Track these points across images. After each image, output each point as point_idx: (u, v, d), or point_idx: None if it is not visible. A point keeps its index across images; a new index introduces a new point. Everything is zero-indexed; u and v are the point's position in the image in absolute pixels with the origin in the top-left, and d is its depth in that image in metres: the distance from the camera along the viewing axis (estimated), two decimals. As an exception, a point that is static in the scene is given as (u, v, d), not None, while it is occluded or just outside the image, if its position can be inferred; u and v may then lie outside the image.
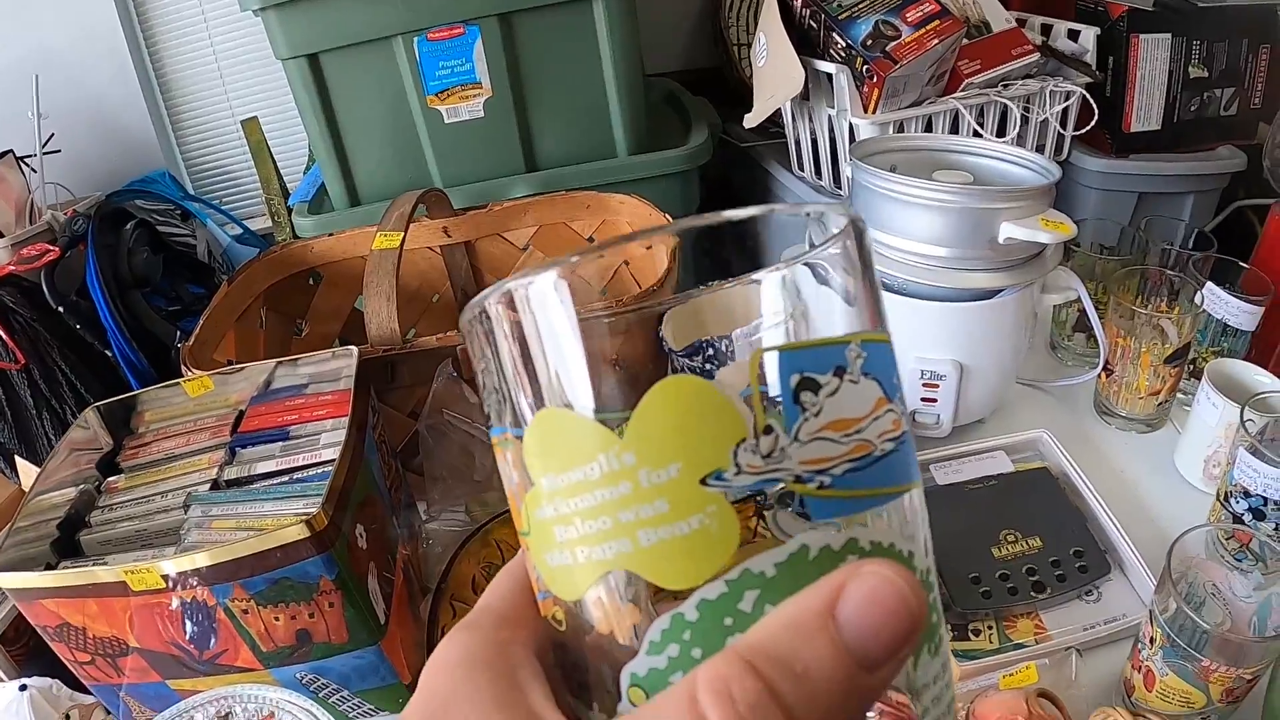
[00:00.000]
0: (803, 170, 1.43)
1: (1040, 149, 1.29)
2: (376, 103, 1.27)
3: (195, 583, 0.66)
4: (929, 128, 1.22)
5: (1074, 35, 1.32)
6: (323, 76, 1.24)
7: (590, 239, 1.22)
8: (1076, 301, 0.99)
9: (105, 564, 0.68)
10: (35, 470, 0.79)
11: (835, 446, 0.22)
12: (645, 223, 1.15)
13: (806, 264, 0.23)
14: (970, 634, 0.81)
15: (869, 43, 1.17)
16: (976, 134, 1.19)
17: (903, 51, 1.15)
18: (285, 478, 0.78)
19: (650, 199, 1.14)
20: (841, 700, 0.19)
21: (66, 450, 0.81)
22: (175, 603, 0.68)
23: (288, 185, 1.60)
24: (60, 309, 1.48)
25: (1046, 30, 1.37)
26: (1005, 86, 1.23)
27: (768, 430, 0.21)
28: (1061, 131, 1.29)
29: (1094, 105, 1.24)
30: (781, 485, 0.21)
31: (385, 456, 0.87)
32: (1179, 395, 1.05)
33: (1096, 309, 0.98)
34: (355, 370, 0.84)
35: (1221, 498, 0.84)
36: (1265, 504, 0.80)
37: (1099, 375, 1.05)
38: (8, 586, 0.68)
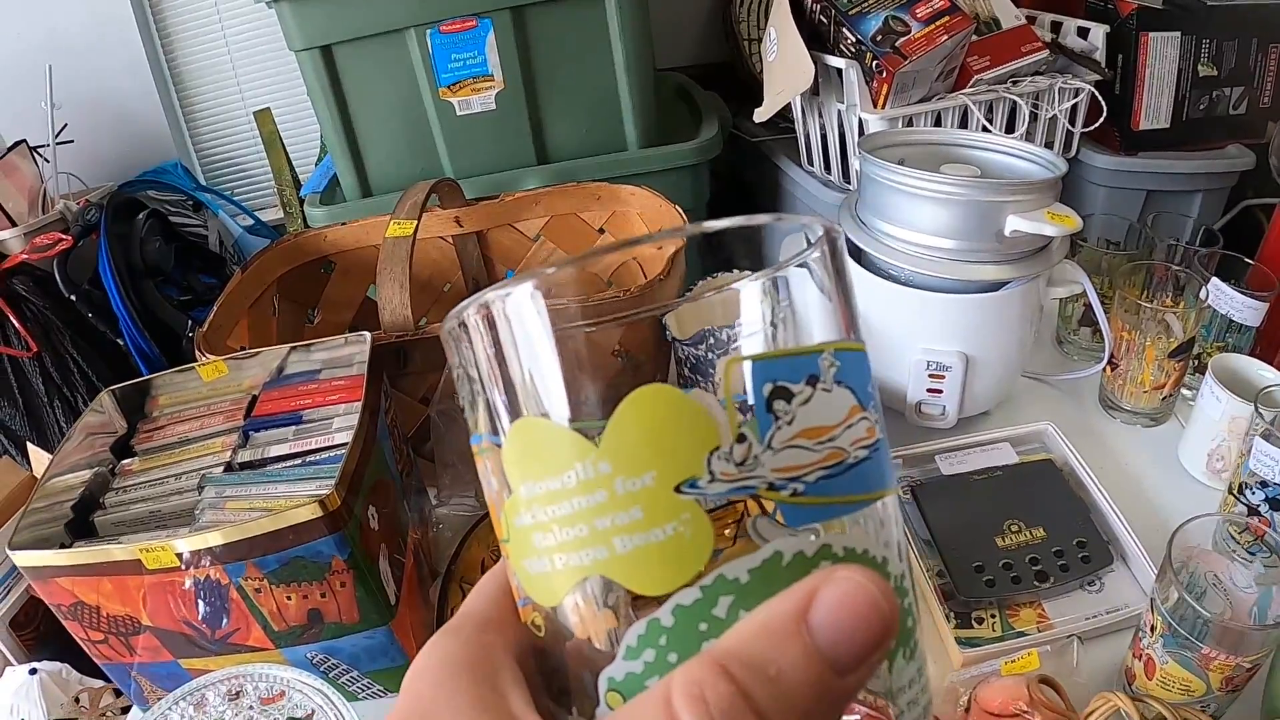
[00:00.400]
0: (812, 165, 1.44)
1: (1049, 146, 1.29)
2: (389, 95, 1.28)
3: (209, 562, 0.67)
4: (938, 123, 1.22)
5: (1083, 33, 1.32)
6: (336, 68, 1.25)
7: (601, 230, 1.22)
8: (1082, 295, 0.99)
9: (120, 543, 0.69)
10: (47, 457, 0.80)
11: (808, 454, 0.22)
12: (655, 214, 1.15)
13: (786, 271, 0.23)
14: (974, 622, 0.82)
15: (879, 38, 1.18)
16: (985, 130, 1.20)
17: (912, 47, 1.15)
18: (298, 460, 0.79)
19: (661, 192, 1.15)
20: (814, 704, 0.20)
21: (81, 433, 0.82)
22: (188, 582, 0.69)
23: (300, 176, 1.61)
24: (72, 298, 1.50)
25: (1056, 27, 1.37)
26: (1014, 83, 1.24)
27: (741, 439, 0.22)
28: (1070, 128, 1.29)
29: (1103, 103, 1.24)
30: (755, 493, 0.22)
31: (397, 441, 0.88)
32: (1183, 390, 1.06)
33: (1102, 303, 0.98)
34: (368, 356, 0.85)
35: (1235, 490, 0.84)
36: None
37: (1104, 369, 1.05)
38: (23, 565, 0.69)
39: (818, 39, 1.27)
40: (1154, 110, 1.34)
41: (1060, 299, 0.99)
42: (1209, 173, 1.35)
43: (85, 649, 0.76)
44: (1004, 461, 0.96)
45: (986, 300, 0.92)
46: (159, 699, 0.71)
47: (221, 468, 0.79)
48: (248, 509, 0.74)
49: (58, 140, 1.68)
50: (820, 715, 0.20)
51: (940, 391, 0.97)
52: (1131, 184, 1.36)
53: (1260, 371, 0.93)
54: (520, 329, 0.23)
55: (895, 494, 0.25)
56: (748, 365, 0.22)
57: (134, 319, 1.52)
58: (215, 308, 1.00)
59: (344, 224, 1.17)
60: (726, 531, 0.23)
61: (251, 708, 0.70)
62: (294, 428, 0.83)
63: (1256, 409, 0.81)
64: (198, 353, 0.91)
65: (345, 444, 0.75)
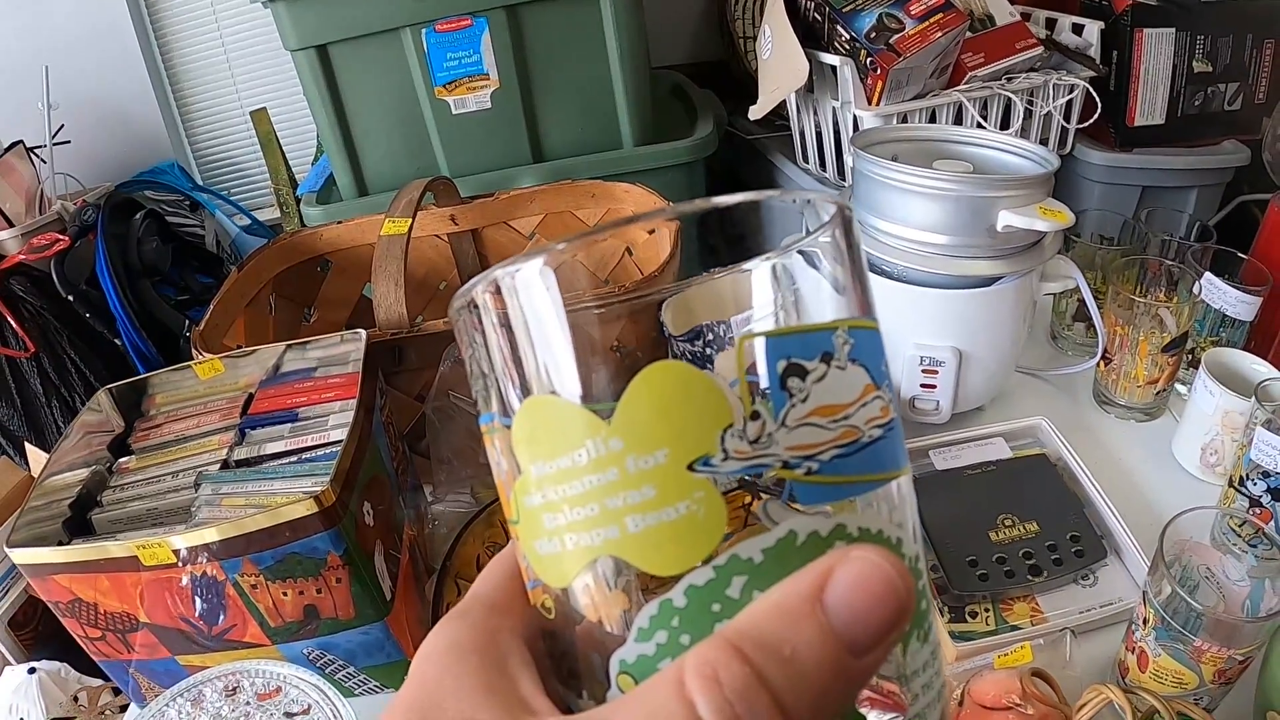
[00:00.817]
0: (807, 162, 1.44)
1: (1044, 142, 1.30)
2: (385, 94, 1.28)
3: (205, 558, 0.67)
4: (932, 120, 1.22)
5: (1078, 29, 1.33)
6: (332, 68, 1.25)
7: (596, 226, 1.23)
8: (1076, 291, 0.99)
9: (117, 540, 0.69)
10: (45, 457, 0.80)
11: (823, 432, 0.22)
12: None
13: (797, 252, 0.23)
14: (967, 616, 0.82)
15: (873, 35, 1.18)
16: (980, 127, 1.20)
17: (906, 44, 1.16)
18: (294, 458, 0.79)
19: (656, 190, 1.15)
20: (829, 685, 0.19)
21: (79, 432, 0.82)
22: (185, 578, 0.69)
23: (296, 176, 1.62)
24: (70, 298, 1.50)
25: (1051, 24, 1.37)
26: (1009, 80, 1.24)
27: (755, 416, 0.21)
28: (1065, 125, 1.29)
29: (1098, 99, 1.25)
30: (769, 471, 0.21)
31: (392, 438, 0.88)
32: (1177, 385, 1.06)
33: (1096, 299, 0.98)
34: (363, 354, 0.85)
35: (1235, 483, 0.84)
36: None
37: (1097, 364, 1.05)
38: (21, 562, 0.69)
39: (812, 36, 1.27)
40: (1149, 106, 1.34)
41: (1054, 294, 0.99)
42: (1204, 169, 1.35)
43: (83, 646, 0.77)
44: (998, 456, 0.96)
45: (980, 295, 0.93)
46: (156, 696, 0.72)
47: (218, 465, 0.79)
48: (244, 506, 0.74)
49: (55, 141, 1.68)
50: (836, 696, 0.19)
51: (934, 387, 0.98)
52: (1126, 180, 1.36)
53: (1254, 366, 0.93)
54: (530, 305, 0.23)
55: (909, 475, 0.24)
56: (761, 341, 0.22)
57: (131, 319, 1.52)
58: (211, 307, 1.00)
59: (340, 222, 1.17)
60: (733, 515, 0.23)
61: (248, 703, 0.70)
62: (290, 425, 0.83)
63: (1257, 400, 0.81)
64: (194, 351, 0.91)
65: (341, 441, 0.75)
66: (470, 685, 0.23)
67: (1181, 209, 1.31)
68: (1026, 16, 1.34)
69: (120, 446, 0.86)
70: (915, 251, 0.91)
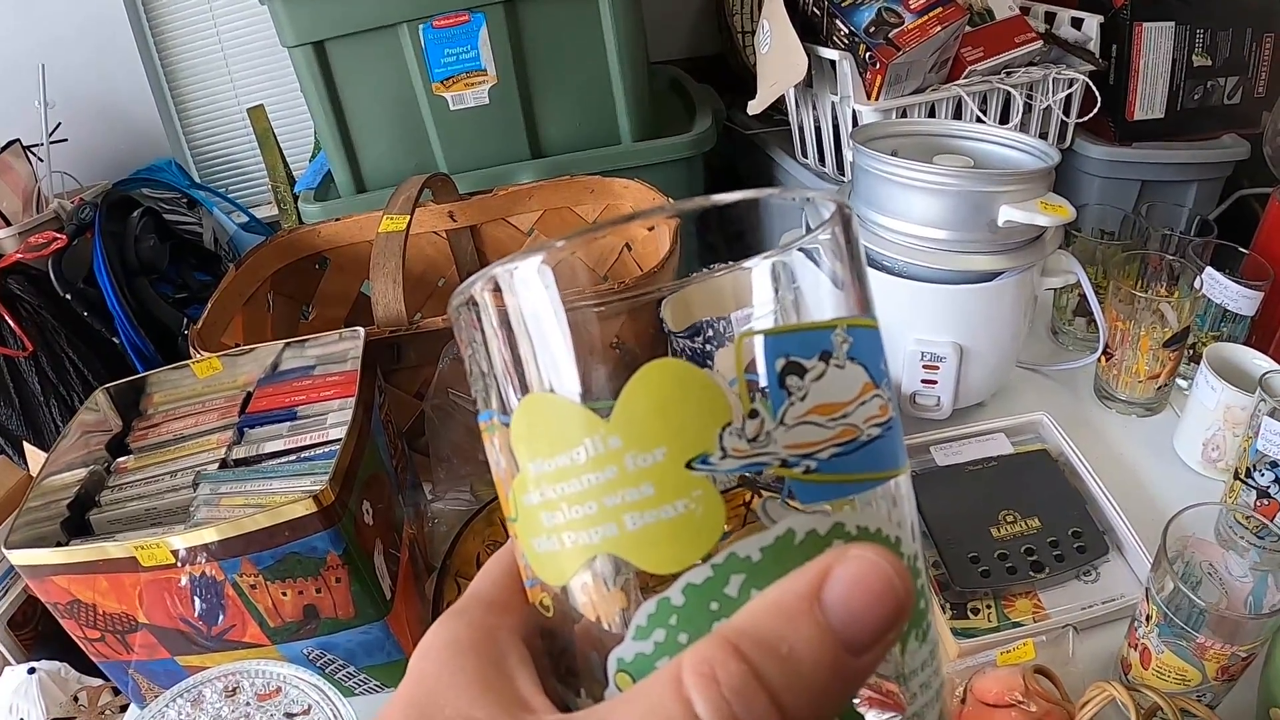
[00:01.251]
0: (806, 157, 1.44)
1: (1043, 136, 1.29)
2: (382, 90, 1.28)
3: (204, 558, 0.67)
4: (932, 115, 1.22)
5: (1077, 23, 1.32)
6: (329, 64, 1.24)
7: (594, 224, 1.22)
8: (1077, 286, 0.99)
9: (115, 541, 0.69)
10: (43, 456, 0.80)
11: (821, 431, 0.22)
12: (649, 207, 1.15)
13: (798, 250, 0.23)
14: (969, 613, 0.82)
15: (872, 30, 1.17)
16: (979, 121, 1.20)
17: (906, 38, 1.15)
18: (293, 456, 0.79)
19: (654, 186, 1.15)
20: (827, 683, 0.19)
21: (77, 432, 0.82)
22: (184, 579, 0.69)
23: (294, 173, 1.61)
24: (68, 296, 1.50)
25: (1050, 18, 1.37)
26: (1008, 74, 1.24)
27: (753, 414, 0.21)
28: (1065, 119, 1.29)
29: (1097, 93, 1.24)
30: (767, 470, 0.21)
31: (391, 436, 0.88)
32: (1178, 380, 1.06)
33: (1097, 294, 0.98)
34: (362, 351, 0.85)
35: (1242, 475, 0.84)
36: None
37: (1099, 359, 1.05)
38: (19, 563, 0.69)
39: (811, 31, 1.27)
40: (1148, 100, 1.33)
41: (1055, 289, 0.99)
42: (1204, 163, 1.35)
43: (82, 647, 0.76)
44: (999, 452, 0.96)
45: (980, 291, 0.92)
46: (156, 696, 0.71)
47: (216, 464, 0.79)
48: (243, 505, 0.74)
49: (52, 139, 1.68)
50: (833, 695, 0.19)
51: (935, 382, 0.97)
52: (1126, 174, 1.36)
53: (1255, 360, 0.93)
54: (529, 303, 0.22)
55: (908, 473, 0.24)
56: (760, 340, 0.22)
57: (129, 317, 1.52)
58: (209, 305, 1.00)
59: (337, 220, 1.17)
60: (731, 513, 0.23)
61: (248, 704, 0.70)
62: (289, 424, 0.83)
63: (1262, 391, 0.81)
64: (192, 350, 0.91)
65: (340, 440, 0.75)
66: (468, 683, 0.23)
67: (1181, 203, 1.31)
68: (1026, 10, 1.33)
69: (118, 446, 0.86)
70: (916, 247, 0.91)
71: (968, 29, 1.22)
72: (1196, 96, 1.34)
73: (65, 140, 1.70)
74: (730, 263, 0.23)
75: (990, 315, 0.95)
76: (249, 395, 0.88)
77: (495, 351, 0.23)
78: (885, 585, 0.20)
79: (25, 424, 1.50)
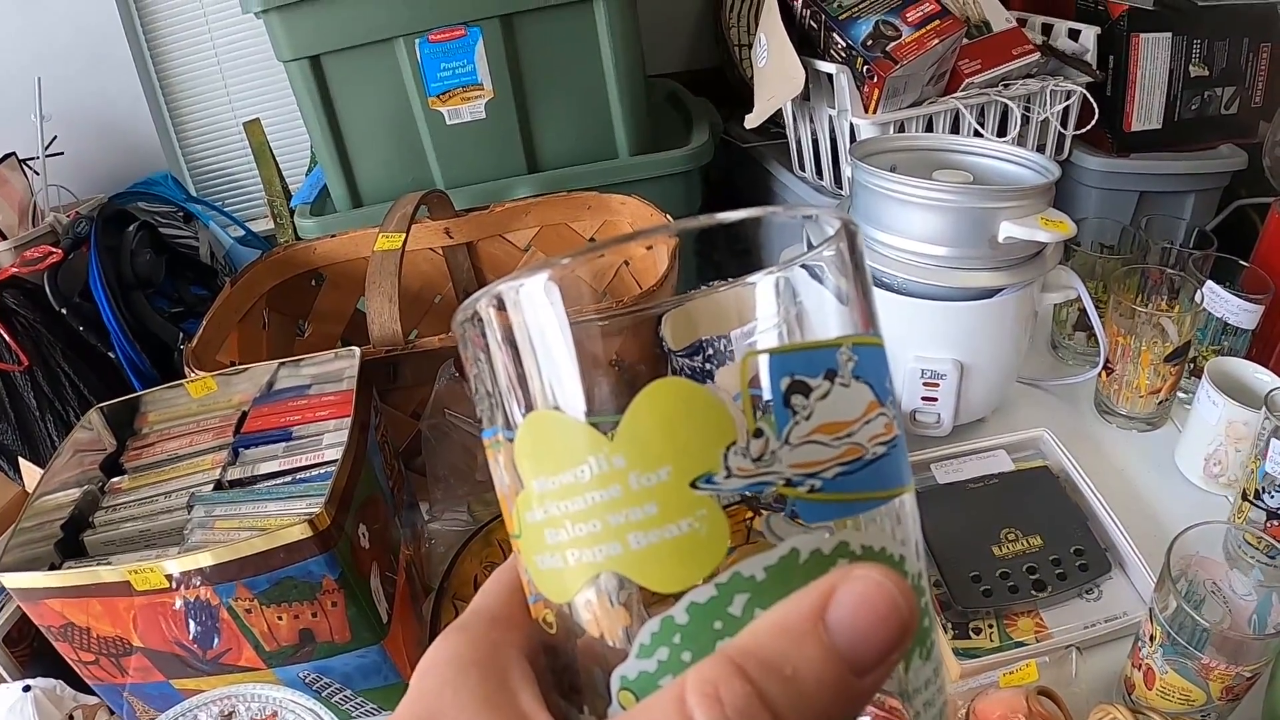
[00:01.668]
0: (803, 170, 1.43)
1: (1041, 148, 1.29)
2: (378, 104, 1.27)
3: (199, 582, 0.66)
4: (929, 128, 1.22)
5: (1074, 35, 1.32)
6: (325, 78, 1.24)
7: (591, 240, 1.22)
8: (1077, 300, 0.99)
9: (109, 564, 0.69)
10: (39, 472, 0.79)
11: (826, 450, 0.22)
12: (646, 223, 1.15)
13: (801, 267, 0.23)
14: (971, 632, 0.82)
15: (869, 43, 1.17)
16: (977, 134, 1.20)
17: (903, 51, 1.15)
18: (288, 478, 0.78)
19: (652, 200, 1.15)
20: (831, 704, 0.19)
21: (70, 451, 0.82)
22: (179, 602, 0.68)
23: (290, 187, 1.61)
24: (63, 311, 1.49)
25: (1047, 30, 1.37)
26: (1006, 86, 1.23)
27: (758, 433, 0.21)
28: (1062, 131, 1.29)
29: (1094, 104, 1.24)
30: (772, 489, 0.21)
31: (388, 457, 0.87)
32: (1179, 394, 1.05)
33: (1097, 308, 0.98)
34: (358, 371, 0.84)
35: (1250, 497, 0.83)
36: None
37: (1099, 374, 1.05)
38: (12, 586, 0.68)
39: (808, 44, 1.27)
40: (1146, 111, 1.33)
41: (1055, 304, 0.99)
42: (1202, 173, 1.35)
43: (77, 670, 0.76)
44: (1000, 469, 0.96)
45: (980, 307, 0.92)
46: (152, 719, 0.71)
47: (211, 485, 0.79)
48: (237, 528, 0.73)
49: (47, 152, 1.67)
50: (837, 715, 0.19)
51: (935, 399, 0.97)
52: (1124, 185, 1.36)
53: (1256, 374, 0.93)
54: (534, 320, 0.22)
55: (912, 492, 0.24)
56: (765, 358, 0.22)
57: (125, 331, 1.51)
58: (204, 323, 0.99)
59: (334, 236, 1.16)
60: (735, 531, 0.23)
61: (243, 729, 0.70)
62: (284, 444, 0.82)
63: (1267, 411, 0.80)
64: (186, 369, 0.90)
65: (335, 460, 0.74)
66: (470, 699, 0.23)
67: (1179, 214, 1.31)
68: (1023, 22, 1.33)
69: (112, 465, 0.85)
70: (915, 263, 0.91)
71: (965, 41, 1.22)
72: (1194, 107, 1.34)
73: (61, 154, 1.69)
74: (731, 279, 0.23)
75: (990, 332, 0.94)
76: (244, 415, 0.87)
77: (500, 368, 0.23)
78: (890, 606, 0.20)
79: (21, 439, 1.49)
